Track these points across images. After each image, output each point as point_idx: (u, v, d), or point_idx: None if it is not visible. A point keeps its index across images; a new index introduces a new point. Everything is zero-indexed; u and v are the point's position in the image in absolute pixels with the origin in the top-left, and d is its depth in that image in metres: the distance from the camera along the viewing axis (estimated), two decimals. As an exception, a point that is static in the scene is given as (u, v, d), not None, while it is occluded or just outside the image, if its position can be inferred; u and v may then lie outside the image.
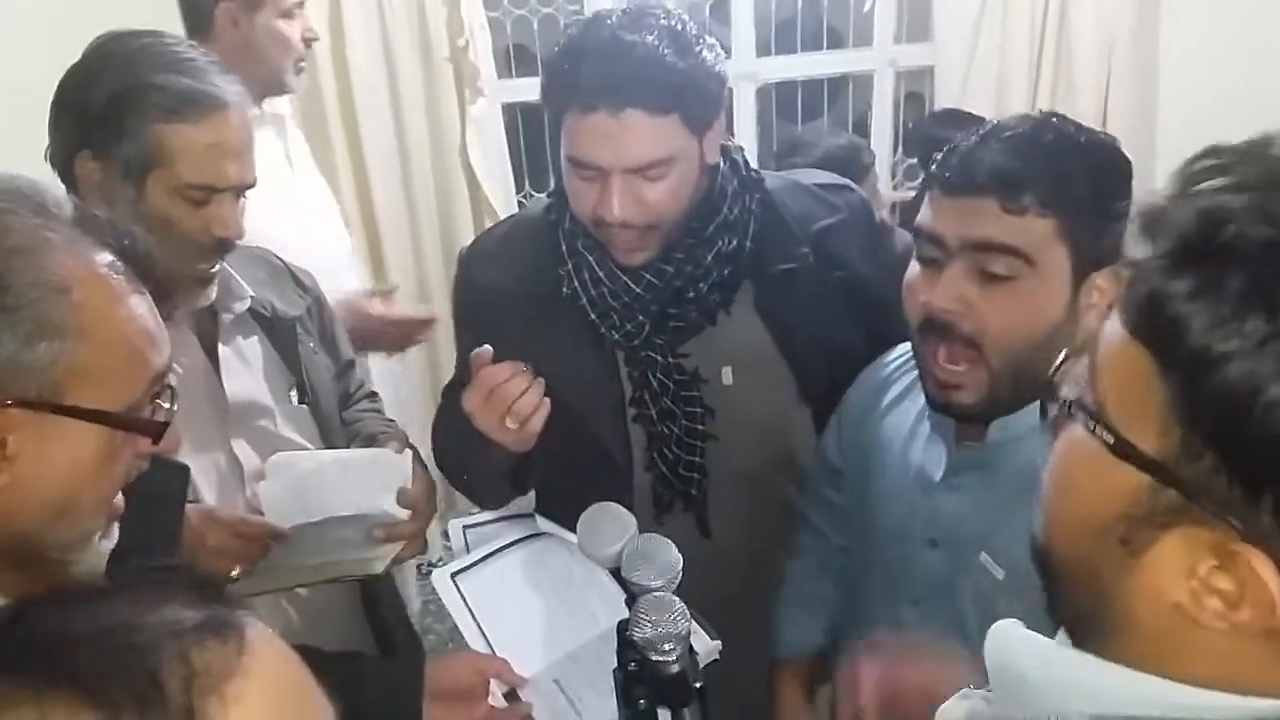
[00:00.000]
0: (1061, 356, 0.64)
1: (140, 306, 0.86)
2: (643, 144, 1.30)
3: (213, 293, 1.42)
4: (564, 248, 1.47)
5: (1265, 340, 0.49)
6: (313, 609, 1.53)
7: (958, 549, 1.20)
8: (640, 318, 1.44)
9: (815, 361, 1.48)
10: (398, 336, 2.21)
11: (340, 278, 2.37)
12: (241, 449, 1.44)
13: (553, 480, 1.55)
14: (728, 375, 1.47)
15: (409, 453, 1.44)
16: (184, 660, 0.57)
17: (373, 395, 1.80)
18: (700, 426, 1.47)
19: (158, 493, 1.01)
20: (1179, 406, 0.52)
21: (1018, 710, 0.59)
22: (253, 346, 1.51)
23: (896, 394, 1.37)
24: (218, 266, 1.41)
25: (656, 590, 1.03)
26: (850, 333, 1.48)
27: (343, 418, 1.65)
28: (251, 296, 1.49)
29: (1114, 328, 0.57)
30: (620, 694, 1.04)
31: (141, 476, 0.92)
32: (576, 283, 1.45)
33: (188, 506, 1.32)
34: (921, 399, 1.26)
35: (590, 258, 1.44)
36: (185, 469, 1.10)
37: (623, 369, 1.48)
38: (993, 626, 0.63)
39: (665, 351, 1.46)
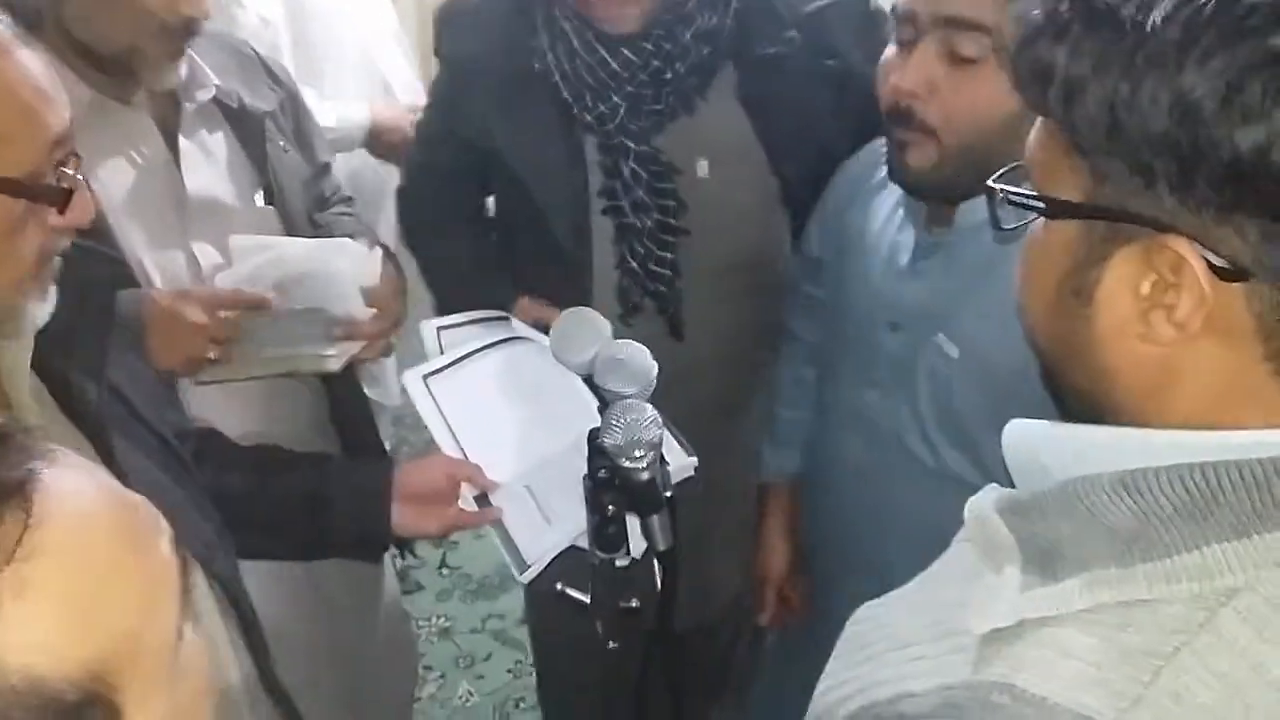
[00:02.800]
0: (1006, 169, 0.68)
1: (31, 61, 0.80)
2: None
3: (182, 72, 1.34)
4: (540, 19, 1.41)
5: (1104, 54, 0.55)
6: (277, 412, 1.51)
7: (917, 330, 1.22)
8: (615, 99, 1.39)
9: (798, 157, 1.44)
10: None
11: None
12: (202, 250, 1.39)
13: (513, 275, 1.52)
14: (703, 168, 1.43)
15: (378, 250, 1.39)
16: None
17: (349, 200, 1.73)
18: (673, 220, 1.43)
19: (86, 282, 0.96)
20: (1074, 140, 0.57)
21: (1061, 483, 0.61)
22: (218, 141, 1.44)
23: (875, 181, 1.35)
24: (185, 45, 1.32)
25: (629, 397, 1.01)
26: (837, 130, 1.43)
27: (314, 220, 1.59)
28: (217, 85, 1.41)
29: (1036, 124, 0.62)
30: (589, 502, 1.03)
31: (69, 266, 0.88)
32: (551, 58, 1.40)
33: (156, 291, 1.29)
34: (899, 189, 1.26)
35: (568, 27, 1.39)
36: (119, 261, 1.05)
37: (592, 157, 1.43)
38: (1006, 426, 0.64)
39: (640, 139, 1.40)
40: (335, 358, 1.40)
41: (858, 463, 1.32)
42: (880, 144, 1.38)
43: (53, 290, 0.89)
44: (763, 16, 1.40)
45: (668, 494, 1.02)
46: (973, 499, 0.64)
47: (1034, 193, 0.61)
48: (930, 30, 1.11)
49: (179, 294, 1.28)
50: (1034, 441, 0.62)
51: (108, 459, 0.97)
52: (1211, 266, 0.53)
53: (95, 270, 1.00)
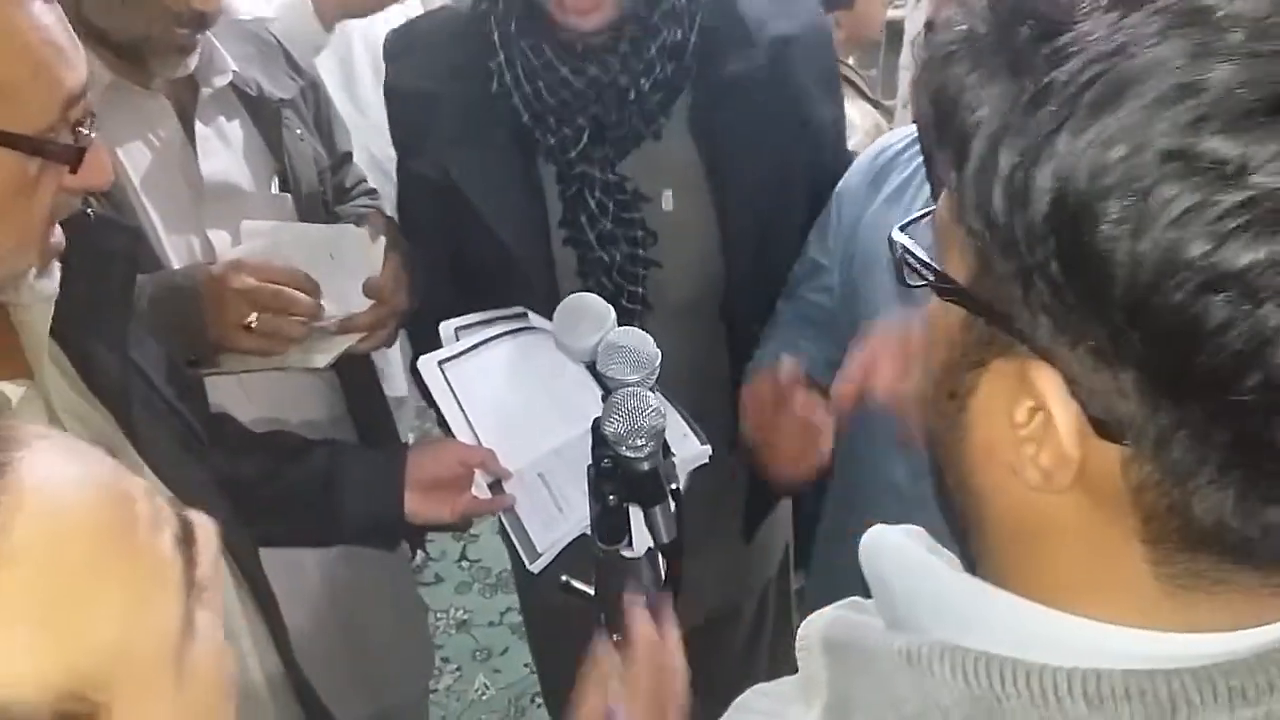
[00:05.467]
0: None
1: (46, 15, 0.78)
2: None
3: (192, 63, 1.34)
4: (496, 37, 1.32)
5: (1015, 100, 0.41)
6: (293, 403, 1.51)
7: None
8: (580, 120, 1.31)
9: (743, 193, 1.35)
10: None
11: None
12: (217, 235, 1.38)
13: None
14: (668, 200, 1.35)
15: (381, 239, 1.37)
16: None
17: (372, 192, 1.73)
18: (642, 252, 1.36)
19: (103, 252, 0.95)
20: (962, 210, 0.44)
21: (877, 631, 0.52)
22: (234, 127, 1.44)
23: (897, 184, 1.29)
24: (199, 37, 1.32)
25: (632, 384, 0.99)
26: (788, 170, 1.36)
27: (333, 210, 1.58)
28: (235, 72, 1.41)
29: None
30: (592, 490, 1.02)
31: (86, 236, 0.87)
32: (509, 78, 1.31)
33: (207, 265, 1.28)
34: (924, 194, 1.21)
35: (526, 44, 1.31)
36: (134, 230, 1.04)
37: (551, 187, 1.35)
38: (867, 532, 0.55)
39: (604, 167, 1.33)
40: (324, 352, 1.36)
41: (900, 486, 1.24)
42: (897, 140, 1.34)
43: (56, 266, 0.89)
44: (729, 34, 1.32)
45: (673, 486, 1.00)
46: (812, 617, 0.55)
47: (926, 263, 0.49)
48: None
49: (233, 262, 1.27)
50: (885, 561, 0.53)
51: (129, 433, 0.97)
52: (1090, 416, 0.42)
53: (115, 242, 0.99)
